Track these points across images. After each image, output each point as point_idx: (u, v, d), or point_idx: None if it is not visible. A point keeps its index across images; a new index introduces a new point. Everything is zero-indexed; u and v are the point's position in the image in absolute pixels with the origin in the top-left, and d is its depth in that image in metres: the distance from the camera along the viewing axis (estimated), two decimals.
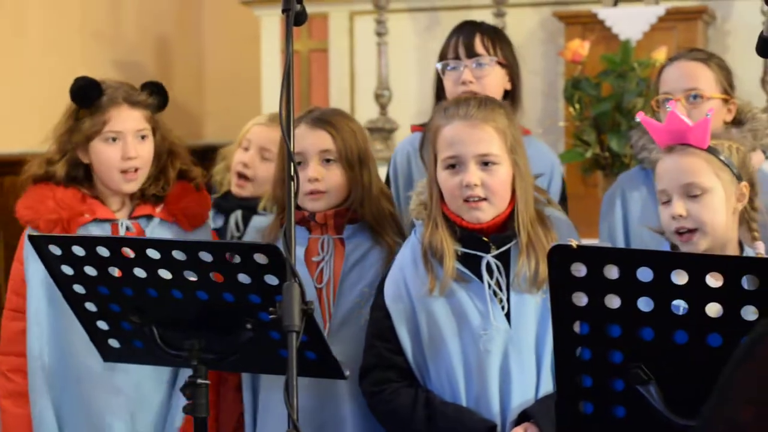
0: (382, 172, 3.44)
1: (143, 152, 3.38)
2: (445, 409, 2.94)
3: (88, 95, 3.35)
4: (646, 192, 3.60)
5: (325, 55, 6.79)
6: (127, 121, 3.37)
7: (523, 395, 2.94)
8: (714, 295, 2.24)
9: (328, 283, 3.21)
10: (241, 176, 4.00)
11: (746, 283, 2.21)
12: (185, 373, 2.89)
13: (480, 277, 2.97)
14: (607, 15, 5.62)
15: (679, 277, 2.24)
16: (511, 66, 3.76)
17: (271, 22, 6.72)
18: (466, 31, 3.78)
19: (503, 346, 2.94)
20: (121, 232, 3.35)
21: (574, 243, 2.32)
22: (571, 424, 2.50)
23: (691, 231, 2.85)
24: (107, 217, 3.37)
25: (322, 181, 3.21)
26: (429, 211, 3.03)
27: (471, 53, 3.70)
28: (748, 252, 2.87)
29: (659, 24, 5.52)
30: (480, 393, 2.94)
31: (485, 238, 2.99)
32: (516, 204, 2.99)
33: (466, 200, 2.96)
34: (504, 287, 2.98)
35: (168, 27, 7.47)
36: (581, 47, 5.01)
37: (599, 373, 2.40)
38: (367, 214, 3.25)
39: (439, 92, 3.79)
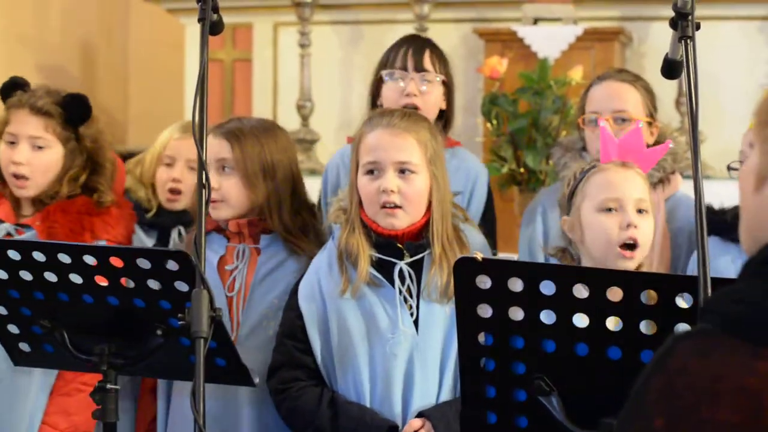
0: (306, 182, 3.44)
1: (35, 161, 3.37)
2: (349, 408, 2.99)
3: (3, 93, 3.37)
4: None
5: (249, 64, 6.80)
6: (23, 126, 3.37)
7: (423, 400, 2.99)
8: (614, 309, 2.29)
9: (239, 292, 3.24)
10: (173, 191, 3.97)
11: (644, 298, 2.27)
12: None
13: (392, 283, 3.02)
14: (527, 33, 5.70)
15: (581, 291, 2.30)
16: (449, 87, 3.79)
17: (195, 30, 6.66)
18: (417, 45, 3.78)
19: (409, 351, 2.99)
20: None
21: (479, 255, 2.37)
22: None
23: (635, 246, 2.87)
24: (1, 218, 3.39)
25: (218, 190, 3.22)
26: (348, 215, 3.08)
27: (419, 67, 3.72)
28: None
29: (577, 43, 5.60)
30: (384, 395, 2.99)
31: (400, 245, 3.04)
32: (431, 214, 3.05)
33: (383, 206, 3.01)
34: (414, 295, 3.03)
35: (93, 32, 7.43)
36: (499, 64, 5.07)
37: (503, 384, 2.44)
38: (277, 225, 3.26)
39: (375, 101, 3.78)
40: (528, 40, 5.66)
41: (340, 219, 3.11)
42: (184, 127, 4.02)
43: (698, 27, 2.44)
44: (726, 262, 3.20)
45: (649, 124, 3.57)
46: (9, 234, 3.37)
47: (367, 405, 3.01)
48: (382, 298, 3.02)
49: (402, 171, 3.02)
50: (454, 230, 3.10)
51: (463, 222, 3.17)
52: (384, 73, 3.76)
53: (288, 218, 3.26)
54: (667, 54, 2.57)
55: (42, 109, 3.37)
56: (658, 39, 5.80)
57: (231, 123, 3.32)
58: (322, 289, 3.06)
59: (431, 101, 3.69)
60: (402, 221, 3.03)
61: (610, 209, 2.90)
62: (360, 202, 3.07)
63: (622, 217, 2.87)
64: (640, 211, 2.90)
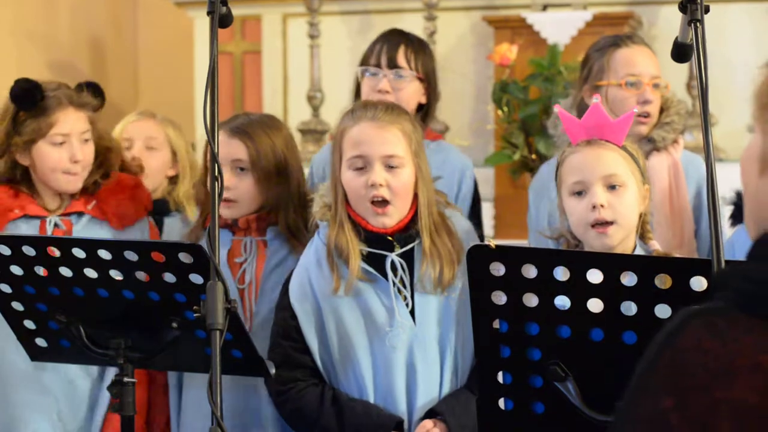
0: None
1: (87, 154, 3.41)
2: (353, 405, 2.99)
3: (30, 98, 3.34)
4: None
5: (258, 56, 6.79)
6: (74, 123, 3.39)
7: (428, 390, 3.00)
8: (628, 293, 2.30)
9: (250, 284, 3.24)
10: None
11: (659, 282, 2.27)
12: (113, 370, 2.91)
13: (385, 276, 3.02)
14: (536, 20, 5.69)
15: (594, 276, 2.30)
16: (429, 81, 3.78)
17: (204, 23, 6.70)
18: (392, 41, 3.79)
19: (408, 342, 2.99)
20: (48, 230, 3.35)
21: (492, 243, 2.37)
22: (491, 420, 2.55)
23: (608, 223, 2.82)
24: (37, 213, 3.38)
25: (233, 190, 3.23)
26: (333, 212, 3.06)
27: (392, 64, 3.73)
28: (639, 251, 2.90)
29: (586, 29, 5.58)
30: (387, 389, 2.99)
31: (389, 237, 3.04)
32: (418, 207, 3.04)
33: (372, 200, 3.00)
34: (408, 285, 3.03)
35: (102, 28, 7.44)
36: (509, 51, 5.06)
37: (518, 370, 2.45)
38: (281, 223, 3.27)
39: (358, 95, 3.80)
40: (537, 26, 5.65)
41: (326, 216, 3.09)
42: (141, 112, 4.19)
43: (707, 10, 2.44)
44: None
45: (656, 86, 3.57)
46: (56, 225, 3.39)
47: (371, 400, 3.00)
48: (377, 291, 3.02)
49: (389, 165, 3.01)
50: (441, 218, 3.09)
51: (446, 207, 3.16)
52: (360, 69, 3.78)
53: (292, 217, 3.27)
54: (676, 38, 2.56)
55: (84, 103, 3.41)
56: (668, 23, 5.78)
57: (239, 120, 3.32)
58: (313, 287, 3.05)
59: (404, 98, 3.66)
60: (393, 218, 3.02)
61: (579, 192, 2.87)
62: (345, 198, 3.06)
63: (588, 199, 2.84)
64: (613, 187, 2.85)
